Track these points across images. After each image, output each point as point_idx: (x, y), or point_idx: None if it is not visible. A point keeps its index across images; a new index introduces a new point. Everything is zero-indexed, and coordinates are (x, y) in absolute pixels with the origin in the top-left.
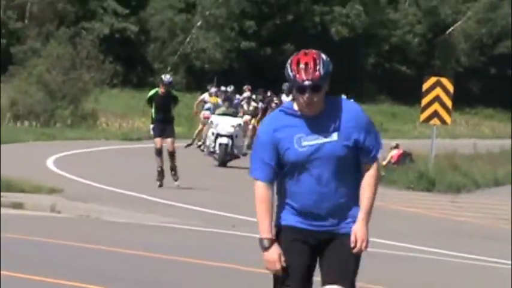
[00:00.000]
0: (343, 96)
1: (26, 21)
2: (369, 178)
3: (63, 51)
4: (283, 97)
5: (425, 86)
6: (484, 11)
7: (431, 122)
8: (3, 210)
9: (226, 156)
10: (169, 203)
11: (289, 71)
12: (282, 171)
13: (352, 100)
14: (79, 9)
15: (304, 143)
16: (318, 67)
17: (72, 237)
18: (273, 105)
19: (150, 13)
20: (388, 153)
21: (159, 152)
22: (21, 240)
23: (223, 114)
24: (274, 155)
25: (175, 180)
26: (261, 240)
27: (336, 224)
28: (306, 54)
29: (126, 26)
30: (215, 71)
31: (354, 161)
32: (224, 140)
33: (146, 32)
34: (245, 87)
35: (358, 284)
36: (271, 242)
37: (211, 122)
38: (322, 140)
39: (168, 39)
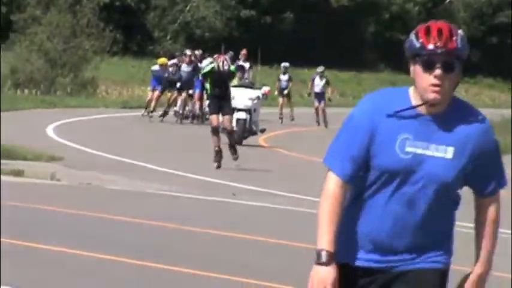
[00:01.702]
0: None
1: None
2: (490, 224)
3: (64, 20)
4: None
5: None
6: None
7: None
8: (4, 178)
9: (244, 133)
10: (170, 171)
11: (415, 39)
12: (363, 179)
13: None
14: None
15: (409, 149)
16: (454, 37)
17: (73, 205)
18: None
19: None
20: None
21: (215, 130)
22: (21, 208)
23: (239, 86)
24: (362, 153)
25: (235, 159)
26: (318, 252)
27: (411, 260)
28: (437, 22)
29: None
30: (215, 39)
31: (457, 191)
32: (242, 115)
33: (146, 0)
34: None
35: None
36: (331, 257)
37: None
38: (432, 152)
39: (168, 7)
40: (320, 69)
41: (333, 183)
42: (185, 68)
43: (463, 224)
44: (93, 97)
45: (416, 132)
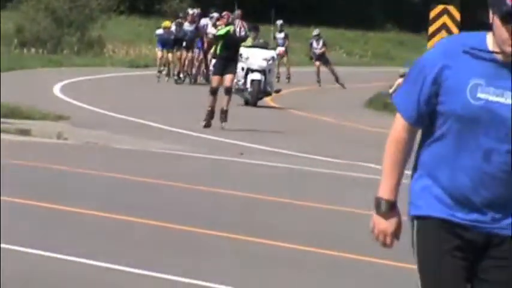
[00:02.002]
0: None
1: None
2: None
3: None
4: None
5: (432, 14)
6: None
7: None
8: (10, 137)
9: (258, 94)
10: (177, 130)
11: None
12: (432, 127)
13: None
14: None
15: (481, 95)
16: None
17: (80, 164)
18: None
19: None
20: (395, 81)
21: (214, 91)
22: (29, 167)
23: (253, 46)
24: (430, 96)
25: (222, 122)
26: (378, 200)
27: (497, 221)
28: None
29: None
30: None
31: None
32: (257, 76)
33: None
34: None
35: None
36: (391, 206)
37: (240, 55)
38: (505, 99)
39: None
40: (316, 32)
41: (399, 125)
42: (188, 26)
43: None
44: (100, 56)
45: (490, 78)
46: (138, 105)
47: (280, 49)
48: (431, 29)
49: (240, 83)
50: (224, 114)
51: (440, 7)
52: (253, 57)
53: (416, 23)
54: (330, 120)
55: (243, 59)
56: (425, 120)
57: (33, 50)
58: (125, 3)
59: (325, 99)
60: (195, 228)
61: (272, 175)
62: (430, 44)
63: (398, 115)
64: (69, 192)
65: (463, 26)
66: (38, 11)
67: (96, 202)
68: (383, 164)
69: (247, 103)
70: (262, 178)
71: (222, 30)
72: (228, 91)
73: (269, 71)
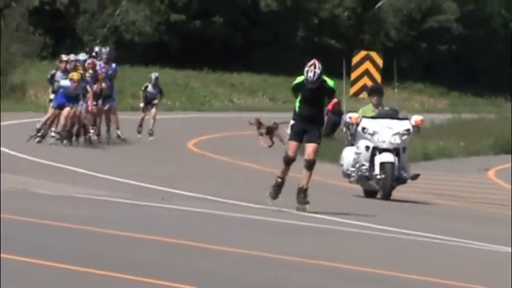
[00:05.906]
0: None
1: None
2: None
3: None
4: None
5: (354, 60)
6: None
7: (361, 95)
8: None
9: (392, 182)
10: (98, 175)
11: None
12: None
13: None
14: None
15: None
16: None
17: (2, 210)
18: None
19: None
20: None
21: (288, 160)
22: None
23: (379, 116)
24: None
25: (301, 204)
26: None
27: None
28: None
29: None
30: (145, 44)
31: None
32: (388, 157)
33: (76, 4)
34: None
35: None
36: None
37: (363, 129)
38: None
39: (97, 11)
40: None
41: None
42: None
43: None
44: (21, 101)
45: None
46: (60, 150)
47: (417, 118)
48: (353, 75)
49: (364, 167)
50: (304, 193)
51: (362, 53)
52: (381, 131)
53: (339, 68)
54: (255, 167)
55: (366, 135)
56: None
57: None
58: (47, 49)
59: (249, 144)
60: (111, 272)
61: (192, 220)
62: (352, 89)
63: None
64: None
65: (385, 72)
66: None
67: (17, 247)
68: None
69: (369, 194)
70: (183, 223)
71: (298, 79)
72: (311, 165)
73: (403, 149)
